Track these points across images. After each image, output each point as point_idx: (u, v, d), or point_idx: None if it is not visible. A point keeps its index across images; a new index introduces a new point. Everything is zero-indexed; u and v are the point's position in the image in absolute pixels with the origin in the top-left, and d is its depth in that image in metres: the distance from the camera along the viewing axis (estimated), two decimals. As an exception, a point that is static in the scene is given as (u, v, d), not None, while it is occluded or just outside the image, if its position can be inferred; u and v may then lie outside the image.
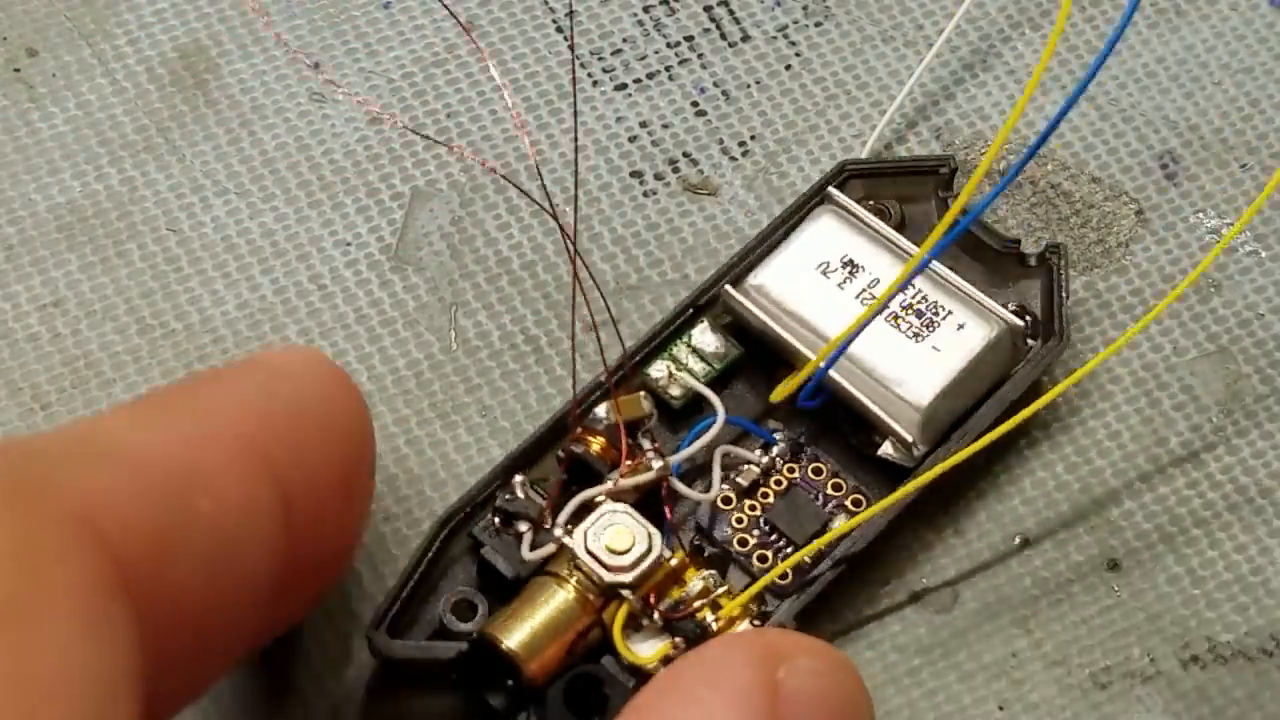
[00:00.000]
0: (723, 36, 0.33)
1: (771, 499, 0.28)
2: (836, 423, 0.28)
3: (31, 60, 0.32)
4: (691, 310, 0.29)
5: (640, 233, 0.31)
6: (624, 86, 0.32)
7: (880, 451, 0.27)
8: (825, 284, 0.28)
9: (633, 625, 0.25)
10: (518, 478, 0.27)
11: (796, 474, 0.28)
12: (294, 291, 0.30)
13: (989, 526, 0.29)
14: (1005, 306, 0.28)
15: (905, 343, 0.28)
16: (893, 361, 0.27)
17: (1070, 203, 0.32)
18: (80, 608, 0.17)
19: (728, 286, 0.28)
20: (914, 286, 0.28)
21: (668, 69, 0.33)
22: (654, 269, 0.31)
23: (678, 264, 0.31)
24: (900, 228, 0.30)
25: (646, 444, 0.27)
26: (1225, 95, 0.33)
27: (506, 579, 0.26)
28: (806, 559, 0.27)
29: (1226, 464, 0.29)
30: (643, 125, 0.32)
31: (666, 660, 0.25)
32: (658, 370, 0.28)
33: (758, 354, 0.29)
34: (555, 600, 0.25)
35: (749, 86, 0.33)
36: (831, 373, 0.27)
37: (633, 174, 0.32)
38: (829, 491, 0.28)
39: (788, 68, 0.33)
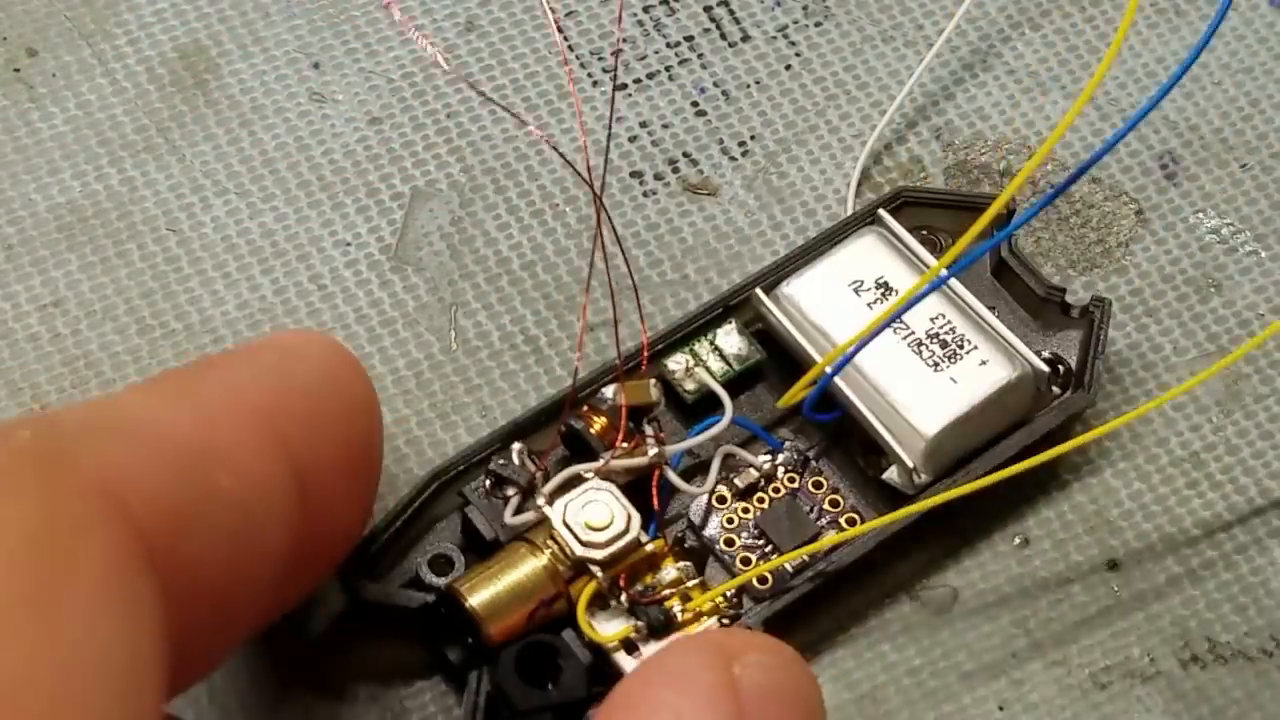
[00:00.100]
0: (723, 36, 0.33)
1: (766, 504, 0.28)
2: (846, 442, 0.28)
3: (31, 60, 0.32)
4: (722, 309, 0.29)
5: (640, 233, 0.31)
6: (624, 86, 0.32)
7: (884, 475, 0.27)
8: (855, 302, 0.28)
9: (600, 604, 0.26)
10: (516, 445, 0.27)
11: (796, 484, 0.28)
12: (294, 291, 0.30)
13: (989, 526, 0.29)
14: (1039, 353, 0.28)
15: (924, 370, 0.27)
16: (908, 386, 0.27)
17: (1070, 203, 0.32)
18: (107, 580, 0.17)
19: (759, 291, 0.28)
20: (943, 316, 0.28)
21: (668, 69, 0.33)
22: (654, 269, 0.31)
23: (677, 264, 0.31)
24: None
25: (649, 431, 0.27)
26: (1225, 95, 0.33)
27: (483, 536, 0.26)
28: (788, 567, 0.27)
29: (1226, 464, 0.29)
30: (643, 125, 0.32)
31: (626, 643, 0.25)
32: (675, 362, 0.28)
33: (780, 362, 0.29)
34: (525, 566, 0.25)
35: (749, 86, 0.33)
36: (845, 388, 0.27)
37: (633, 174, 0.32)
38: (825, 506, 0.28)
39: (788, 68, 0.33)
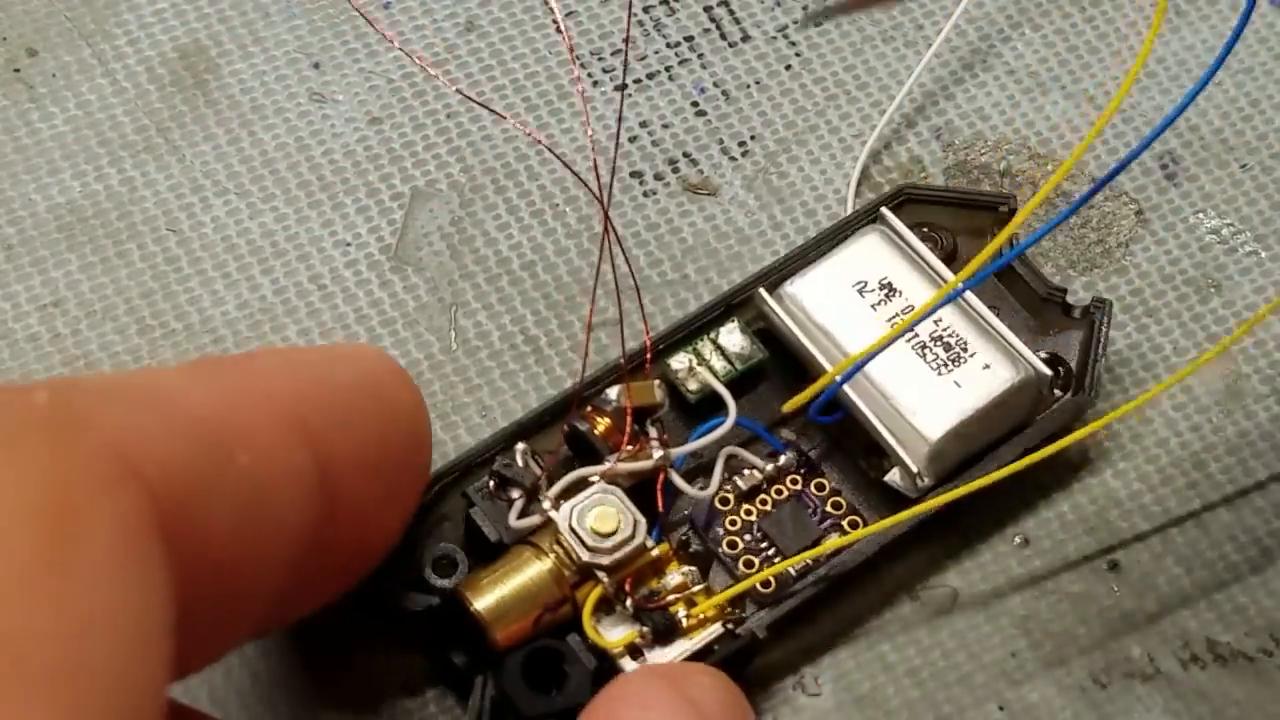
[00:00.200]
0: (723, 36, 0.33)
1: (769, 506, 0.28)
2: (849, 443, 0.28)
3: (31, 60, 0.32)
4: (724, 308, 0.29)
5: (640, 233, 0.31)
6: (624, 86, 0.32)
7: (886, 477, 0.27)
8: (859, 303, 0.28)
9: (604, 608, 0.26)
10: (520, 445, 0.27)
11: (799, 486, 0.28)
12: (294, 291, 0.30)
13: (989, 526, 0.29)
14: (1039, 354, 0.28)
15: (928, 373, 0.27)
16: (912, 390, 0.27)
17: (1070, 203, 0.32)
18: (120, 545, 0.17)
19: (762, 290, 0.28)
20: (946, 319, 0.28)
21: (668, 69, 0.33)
22: (654, 269, 0.31)
23: (677, 264, 0.31)
24: (950, 259, 0.29)
25: (653, 433, 0.27)
26: (1225, 95, 0.33)
27: (487, 538, 0.26)
28: (791, 571, 0.27)
29: (1226, 464, 0.29)
30: (643, 125, 0.32)
31: (631, 649, 0.25)
32: (679, 362, 0.28)
33: (783, 362, 0.29)
34: (530, 571, 0.25)
35: (749, 86, 0.33)
36: (849, 391, 0.27)
37: (633, 174, 0.32)
38: (828, 509, 0.28)
39: (788, 68, 0.33)
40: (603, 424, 0.27)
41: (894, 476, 0.27)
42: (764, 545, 0.27)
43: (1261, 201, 0.32)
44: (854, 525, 0.28)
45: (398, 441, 0.24)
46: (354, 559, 0.24)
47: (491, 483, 0.26)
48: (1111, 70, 0.33)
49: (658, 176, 0.32)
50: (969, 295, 0.28)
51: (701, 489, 0.27)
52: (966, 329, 0.28)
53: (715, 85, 0.33)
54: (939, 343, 0.28)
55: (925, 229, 0.30)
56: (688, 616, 0.26)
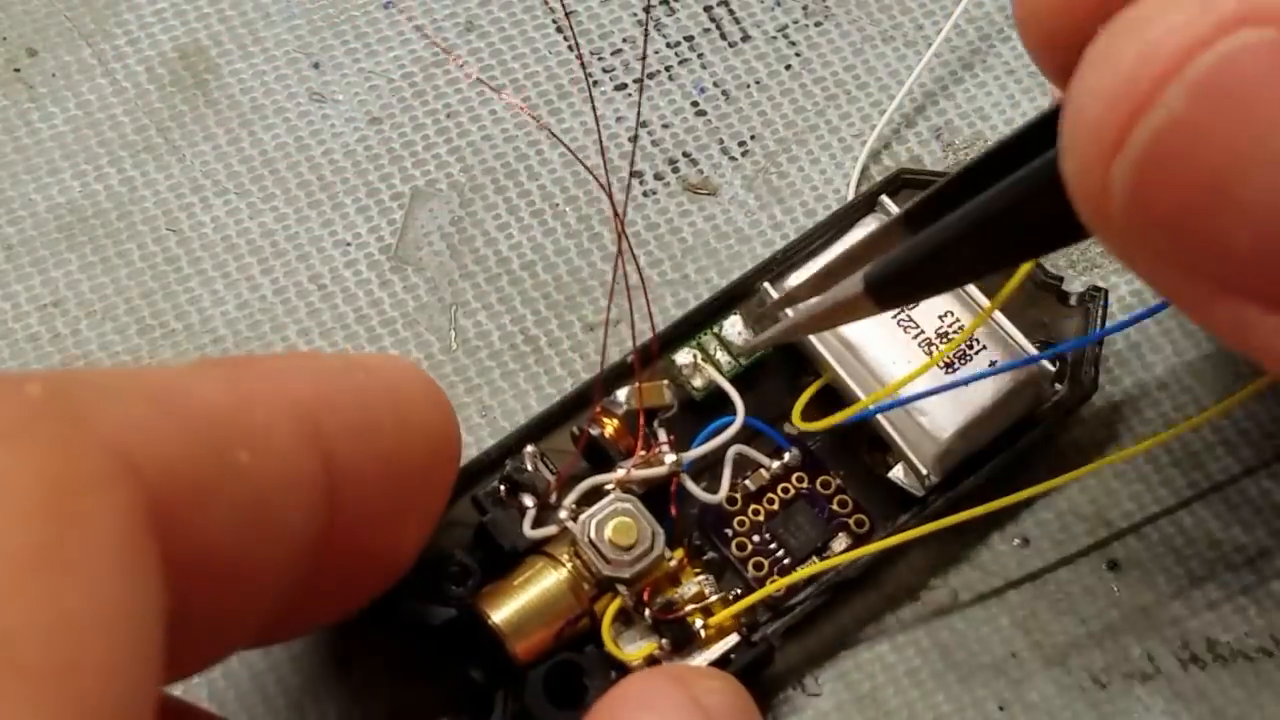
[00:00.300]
0: (723, 36, 0.33)
1: (776, 506, 0.28)
2: (853, 438, 0.28)
3: (31, 60, 0.32)
4: (726, 302, 0.29)
5: (640, 233, 0.31)
6: (624, 86, 0.32)
7: (891, 474, 0.27)
8: None
9: (622, 619, 0.25)
10: (529, 448, 0.27)
11: (805, 484, 0.28)
12: (294, 291, 0.30)
13: (989, 526, 0.29)
14: (1036, 344, 0.28)
15: (935, 372, 0.27)
16: (919, 389, 0.27)
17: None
18: (115, 541, 0.17)
19: (766, 284, 0.28)
20: (952, 314, 0.28)
21: (668, 69, 0.33)
22: (654, 269, 0.31)
23: (677, 264, 0.31)
24: None
25: (662, 435, 0.27)
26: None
27: (501, 547, 0.26)
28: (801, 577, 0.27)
29: (1226, 464, 0.29)
30: (643, 125, 0.32)
31: (650, 660, 0.25)
32: (683, 358, 0.28)
33: (786, 356, 0.28)
34: (548, 582, 0.25)
35: (749, 86, 0.33)
36: (857, 390, 0.27)
37: (633, 174, 0.32)
38: (834, 508, 0.28)
39: (788, 68, 0.33)
40: (611, 425, 0.27)
41: (898, 473, 0.27)
42: (773, 546, 0.27)
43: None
44: (860, 525, 0.28)
45: (417, 457, 0.23)
46: (364, 575, 0.24)
47: (502, 487, 0.26)
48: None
49: (658, 176, 0.32)
50: (975, 291, 0.28)
51: (707, 488, 0.27)
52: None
53: (715, 85, 0.33)
54: (944, 339, 0.28)
55: None
56: (705, 628, 0.26)
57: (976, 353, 0.28)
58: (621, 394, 0.27)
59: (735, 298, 0.29)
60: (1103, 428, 0.29)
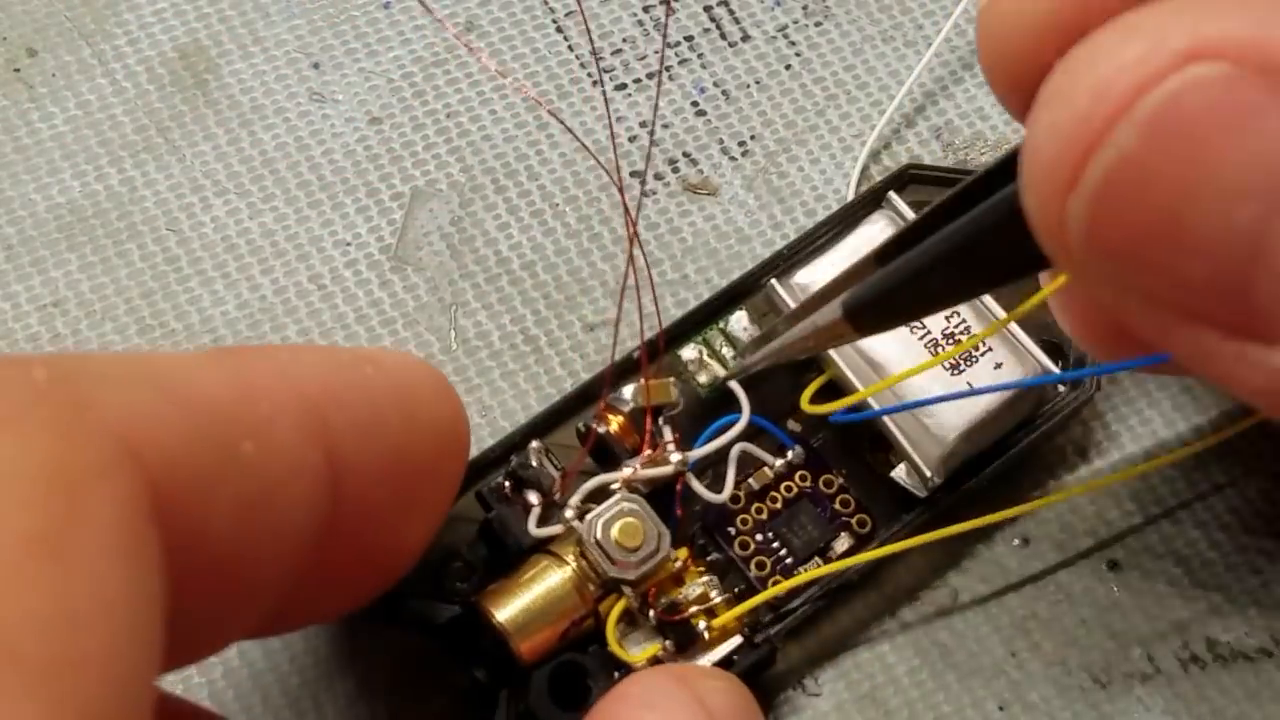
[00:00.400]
0: (723, 36, 0.33)
1: (779, 505, 0.28)
2: (855, 436, 0.28)
3: (31, 60, 0.32)
4: (732, 298, 0.29)
5: (640, 232, 0.31)
6: (624, 86, 0.32)
7: (893, 474, 0.27)
8: None
9: (626, 620, 0.25)
10: (534, 443, 0.27)
11: (808, 483, 0.28)
12: (294, 291, 0.30)
13: (989, 527, 0.29)
14: (1039, 343, 0.28)
15: (941, 373, 0.27)
16: (926, 390, 0.27)
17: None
18: (116, 529, 0.17)
19: (774, 280, 0.28)
20: (958, 314, 0.28)
21: (668, 69, 0.33)
22: (654, 268, 0.31)
23: (677, 264, 0.31)
24: None
25: (668, 433, 0.27)
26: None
27: (506, 544, 0.26)
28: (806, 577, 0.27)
29: (1226, 465, 0.29)
30: (643, 125, 0.32)
31: (654, 661, 0.25)
32: (689, 353, 0.28)
33: None
34: (554, 584, 0.25)
35: (749, 86, 0.33)
36: (860, 387, 0.27)
37: (633, 174, 0.32)
38: (836, 507, 0.28)
39: (788, 68, 0.33)
40: (616, 422, 0.27)
41: (900, 473, 0.27)
42: (776, 545, 0.27)
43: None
44: (862, 524, 0.28)
45: (423, 454, 0.23)
46: (367, 570, 0.24)
47: (507, 483, 0.26)
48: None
49: (658, 176, 0.32)
50: (985, 296, 0.28)
51: (710, 486, 0.27)
52: (977, 327, 0.28)
53: (715, 85, 0.33)
54: (951, 340, 0.28)
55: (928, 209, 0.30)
56: (709, 629, 0.26)
57: (982, 354, 0.28)
58: (627, 391, 0.27)
59: (736, 296, 0.29)
60: (1103, 428, 0.29)
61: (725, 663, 0.26)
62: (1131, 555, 0.29)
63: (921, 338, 0.28)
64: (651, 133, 0.32)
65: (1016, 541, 0.29)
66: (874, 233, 0.29)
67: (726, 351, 0.28)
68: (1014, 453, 0.28)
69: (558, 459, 0.27)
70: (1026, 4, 0.20)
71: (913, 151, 0.32)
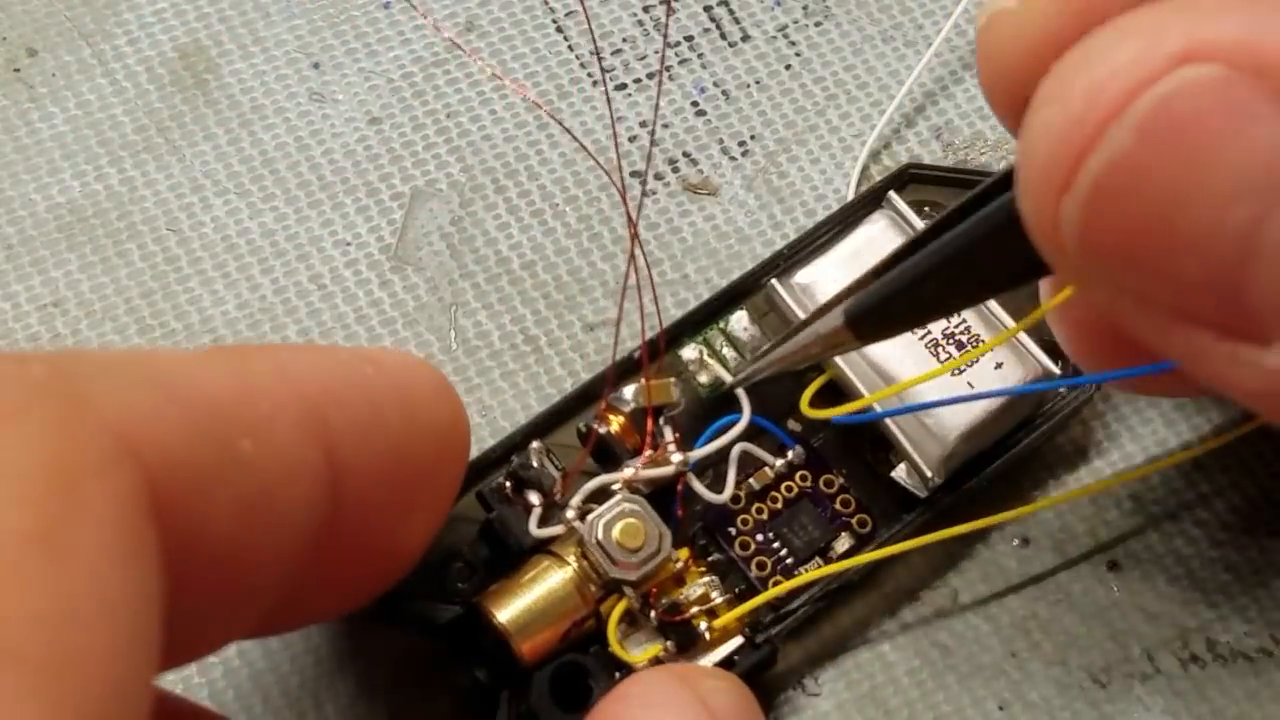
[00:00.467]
0: (723, 36, 0.33)
1: (780, 505, 0.28)
2: (856, 436, 0.28)
3: (31, 60, 0.32)
4: (733, 298, 0.29)
5: (640, 232, 0.31)
6: (624, 86, 0.32)
7: (894, 474, 0.27)
8: None
9: (627, 620, 0.25)
10: (535, 443, 0.26)
11: (808, 483, 0.28)
12: (294, 291, 0.30)
13: (989, 526, 0.29)
14: (1039, 342, 0.28)
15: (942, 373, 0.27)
16: (927, 391, 0.27)
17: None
18: (114, 526, 0.16)
19: (774, 280, 0.28)
20: (959, 315, 0.28)
21: (668, 69, 0.33)
22: (654, 268, 0.31)
23: (677, 264, 0.31)
24: None
25: (669, 434, 0.27)
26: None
27: (507, 544, 0.26)
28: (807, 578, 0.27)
29: (1226, 464, 0.29)
30: (643, 125, 0.32)
31: (655, 662, 0.25)
32: (689, 353, 0.28)
33: None
34: (555, 584, 0.25)
35: (749, 86, 0.33)
36: (863, 388, 0.27)
37: (633, 174, 0.32)
38: (837, 507, 0.28)
39: (788, 68, 0.33)
40: (616, 422, 0.27)
41: (901, 473, 0.27)
42: (776, 545, 0.27)
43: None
44: (863, 524, 0.28)
45: (423, 455, 0.23)
46: (367, 570, 0.23)
47: (508, 484, 0.26)
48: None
49: (658, 176, 0.32)
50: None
51: (710, 486, 0.27)
52: (978, 326, 0.28)
53: (715, 85, 0.33)
54: (951, 340, 0.28)
55: (928, 209, 0.30)
56: (710, 630, 0.26)
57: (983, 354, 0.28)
58: (628, 391, 0.27)
59: (736, 296, 0.29)
60: (1103, 428, 0.29)
61: (726, 663, 0.26)
62: (1131, 556, 0.29)
63: (922, 338, 0.28)
64: (652, 133, 0.32)
65: (1016, 542, 0.29)
66: (874, 233, 0.29)
67: (727, 351, 0.28)
68: (1014, 453, 0.28)
69: (558, 459, 0.27)
70: (1026, 27, 0.20)
71: (913, 151, 0.32)
